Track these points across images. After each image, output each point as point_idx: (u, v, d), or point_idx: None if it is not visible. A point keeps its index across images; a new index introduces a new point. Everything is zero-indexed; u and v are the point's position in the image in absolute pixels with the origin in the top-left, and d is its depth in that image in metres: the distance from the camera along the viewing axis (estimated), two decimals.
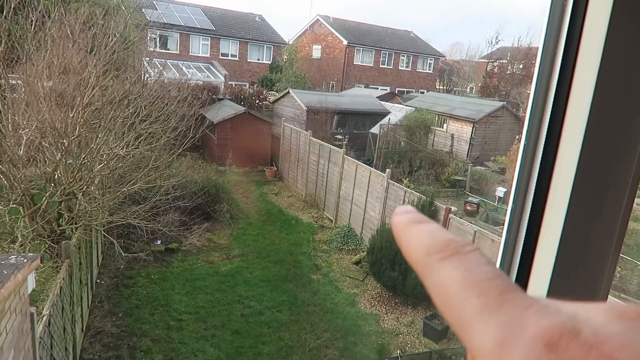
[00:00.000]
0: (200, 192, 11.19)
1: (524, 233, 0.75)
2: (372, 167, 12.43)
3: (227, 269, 10.55)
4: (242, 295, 9.54)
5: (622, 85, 0.66)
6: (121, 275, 9.72)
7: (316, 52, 37.22)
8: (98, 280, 9.29)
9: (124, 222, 7.42)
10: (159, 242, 10.82)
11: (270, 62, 32.27)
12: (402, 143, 18.12)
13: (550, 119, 0.71)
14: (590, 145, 0.68)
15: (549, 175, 0.72)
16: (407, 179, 14.97)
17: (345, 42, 35.37)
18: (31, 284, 4.07)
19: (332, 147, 14.31)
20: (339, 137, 19.21)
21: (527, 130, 0.75)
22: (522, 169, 0.75)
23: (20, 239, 5.86)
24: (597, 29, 0.65)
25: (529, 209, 0.74)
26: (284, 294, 9.78)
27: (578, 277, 0.72)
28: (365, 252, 11.19)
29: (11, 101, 6.07)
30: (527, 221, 0.75)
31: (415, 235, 0.28)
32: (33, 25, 6.40)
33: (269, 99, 23.27)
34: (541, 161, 0.72)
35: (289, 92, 20.44)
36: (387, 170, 11.37)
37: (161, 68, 16.58)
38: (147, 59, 14.72)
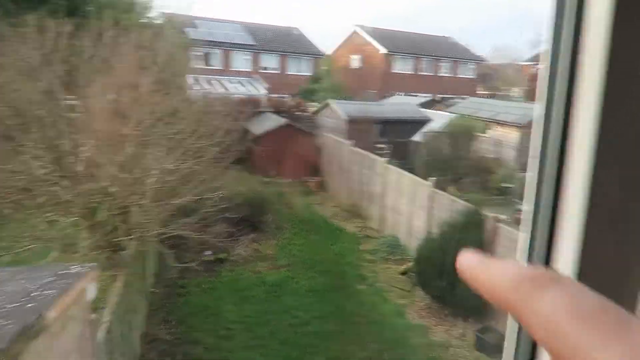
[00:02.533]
0: (246, 203, 11.39)
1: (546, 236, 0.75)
2: (415, 175, 12.26)
3: (273, 278, 10.65)
4: (288, 305, 9.59)
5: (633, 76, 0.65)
6: (174, 285, 10.00)
7: (355, 61, 37.33)
8: (153, 289, 9.60)
9: (175, 234, 7.67)
10: (208, 252, 11.09)
11: (309, 74, 32.68)
12: (445, 150, 17.79)
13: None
14: (604, 146, 0.67)
15: (560, 178, 0.72)
16: (452, 187, 14.65)
17: (383, 51, 35.30)
18: (92, 292, 4.26)
19: (374, 156, 14.25)
20: (381, 146, 19.08)
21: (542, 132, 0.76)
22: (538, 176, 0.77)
23: (81, 250, 6.16)
24: (600, 22, 0.64)
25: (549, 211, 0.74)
26: (331, 304, 9.75)
27: (603, 278, 0.70)
28: (411, 262, 11.01)
29: (71, 121, 6.45)
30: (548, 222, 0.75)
31: (495, 269, 0.28)
32: (90, 49, 6.80)
33: (310, 110, 23.50)
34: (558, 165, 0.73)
35: (328, 103, 20.57)
36: (431, 178, 11.19)
37: (205, 84, 17.12)
38: (192, 76, 15.25)
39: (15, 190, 6.08)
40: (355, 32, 38.07)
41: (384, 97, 32.95)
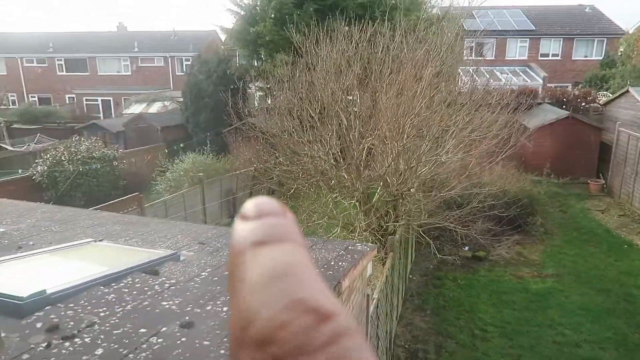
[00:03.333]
0: (513, 202, 10.71)
1: None
2: None
3: (538, 287, 9.76)
4: (554, 319, 8.64)
5: None
6: (430, 275, 10.34)
7: None
8: (410, 276, 10.17)
9: (439, 225, 7.88)
10: (467, 248, 10.99)
11: (601, 58, 27.87)
12: None
13: None
14: None
15: None
16: None
17: None
18: (370, 269, 4.81)
19: None
20: None
21: None
22: None
23: (357, 230, 7.02)
24: None
25: None
26: (610, 330, 8.32)
27: None
28: None
29: (357, 115, 7.36)
30: None
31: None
32: (382, 49, 7.57)
33: (599, 100, 20.14)
34: None
35: (628, 90, 17.12)
36: None
37: (477, 75, 16.69)
38: (465, 67, 15.10)
39: (313, 173, 7.37)
40: None
41: None
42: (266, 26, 16.47)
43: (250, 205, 0.28)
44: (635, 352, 7.76)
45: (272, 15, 16.71)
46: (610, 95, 19.68)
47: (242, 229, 0.27)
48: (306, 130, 7.57)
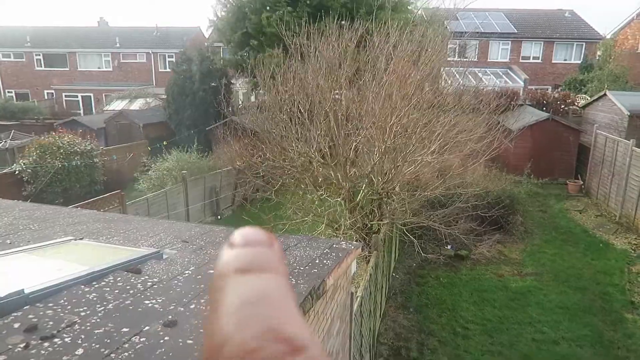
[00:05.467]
0: (494, 202, 10.87)
1: None
2: None
3: (517, 286, 9.93)
4: (533, 317, 8.80)
5: None
6: (413, 273, 10.43)
7: None
8: (394, 274, 10.23)
9: (423, 224, 7.95)
10: (449, 247, 11.11)
11: (580, 62, 28.46)
12: None
13: None
14: None
15: None
16: None
17: None
18: (354, 267, 4.83)
19: None
20: None
21: None
22: None
23: (342, 228, 7.03)
24: None
25: None
26: (586, 327, 8.51)
27: None
28: None
29: (345, 114, 7.36)
30: None
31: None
32: (373, 48, 7.57)
33: (578, 103, 20.56)
34: None
35: (605, 94, 17.53)
36: None
37: (460, 77, 16.88)
38: (448, 68, 15.25)
39: (300, 170, 7.36)
40: None
41: None
42: (264, 18, 16.36)
43: (238, 234, 0.29)
44: (610, 348, 7.95)
45: (268, 8, 16.63)
46: (589, 98, 20.10)
47: (227, 254, 0.27)
48: (295, 126, 7.55)
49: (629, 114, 15.54)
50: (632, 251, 11.55)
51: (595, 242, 12.19)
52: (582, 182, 16.21)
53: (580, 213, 14.24)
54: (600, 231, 12.84)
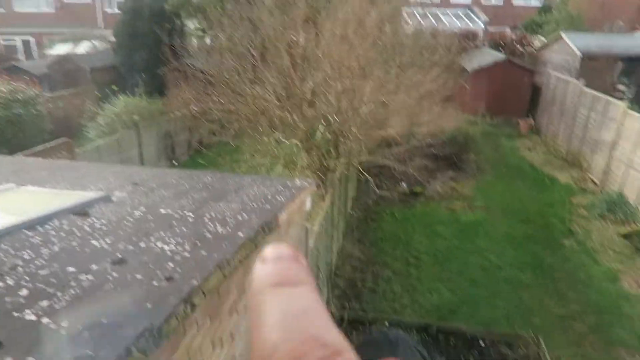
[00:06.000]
0: (449, 141, 11.18)
1: None
2: None
3: (468, 219, 10.48)
4: (481, 247, 9.40)
5: None
6: (369, 210, 10.78)
7: None
8: (351, 212, 10.54)
9: (377, 163, 8.12)
10: (404, 184, 11.47)
11: (540, 5, 28.64)
12: None
13: None
14: None
15: None
16: None
17: None
18: (308, 204, 4.94)
19: (610, 99, 12.06)
20: (621, 88, 16.00)
21: None
22: None
23: (299, 168, 7.10)
24: None
25: None
26: (529, 254, 9.19)
27: None
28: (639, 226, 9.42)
29: (300, 54, 7.20)
30: None
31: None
32: None
33: (534, 44, 20.85)
34: None
35: (560, 36, 17.82)
36: None
37: (420, 18, 16.69)
38: (409, 8, 15.00)
39: (254, 113, 7.26)
40: None
41: (636, 29, 26.78)
42: None
43: (268, 250, 0.32)
44: (548, 272, 8.66)
45: None
46: (545, 40, 20.40)
47: (261, 269, 0.31)
48: (248, 69, 7.35)
49: (581, 55, 15.95)
50: (574, 185, 12.32)
51: (542, 177, 12.88)
52: (533, 121, 16.82)
53: (530, 151, 14.90)
54: (547, 167, 13.54)
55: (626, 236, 9.61)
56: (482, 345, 6.67)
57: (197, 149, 13.37)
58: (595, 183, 12.14)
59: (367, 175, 8.30)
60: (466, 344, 6.72)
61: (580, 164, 13.18)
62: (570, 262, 8.97)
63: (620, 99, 12.81)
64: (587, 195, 11.66)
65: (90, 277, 2.07)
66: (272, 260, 0.32)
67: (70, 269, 2.14)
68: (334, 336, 0.28)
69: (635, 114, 10.97)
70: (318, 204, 7.09)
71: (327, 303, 7.20)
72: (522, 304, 7.73)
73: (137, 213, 3.02)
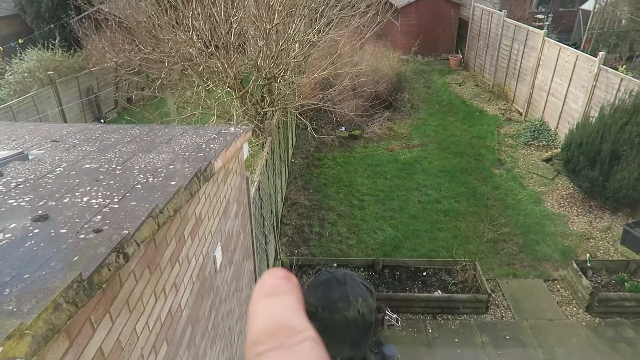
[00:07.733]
0: (383, 80, 11.25)
1: None
2: (579, 51, 10.60)
3: (406, 157, 10.81)
4: (420, 183, 9.78)
5: None
6: (311, 157, 10.81)
7: None
8: (293, 160, 10.52)
9: (314, 107, 8.04)
10: (343, 128, 11.53)
11: None
12: (623, 21, 14.81)
13: None
14: None
15: None
16: (624, 66, 12.46)
17: None
18: (246, 151, 4.84)
19: (531, 28, 12.54)
20: (540, 16, 16.65)
21: None
22: None
23: (234, 118, 6.88)
24: None
25: None
26: (463, 185, 9.70)
27: None
28: (558, 149, 10.15)
29: None
30: None
31: (260, 311, 0.38)
32: None
33: None
34: None
35: None
36: (600, 53, 9.59)
37: None
38: None
39: (179, 60, 6.84)
40: None
41: None
42: None
43: (266, 274, 0.42)
44: (481, 200, 9.23)
45: None
46: None
47: (259, 287, 0.41)
48: (167, 12, 6.84)
49: None
50: (502, 116, 12.95)
51: (472, 111, 13.40)
52: (461, 56, 17.23)
53: (460, 86, 15.36)
54: (476, 100, 14.08)
55: (547, 160, 10.35)
56: (424, 275, 7.11)
57: (125, 106, 12.57)
58: (520, 113, 12.82)
59: (305, 121, 8.22)
60: (410, 275, 7.12)
61: (506, 95, 13.81)
62: (500, 189, 9.58)
63: (540, 27, 13.33)
64: (513, 124, 12.33)
65: (8, 234, 1.91)
66: (269, 279, 0.41)
67: None
68: (301, 321, 0.37)
69: (552, 41, 11.50)
70: (259, 153, 6.98)
71: (276, 252, 7.27)
72: (459, 233, 8.23)
73: (58, 170, 2.80)
